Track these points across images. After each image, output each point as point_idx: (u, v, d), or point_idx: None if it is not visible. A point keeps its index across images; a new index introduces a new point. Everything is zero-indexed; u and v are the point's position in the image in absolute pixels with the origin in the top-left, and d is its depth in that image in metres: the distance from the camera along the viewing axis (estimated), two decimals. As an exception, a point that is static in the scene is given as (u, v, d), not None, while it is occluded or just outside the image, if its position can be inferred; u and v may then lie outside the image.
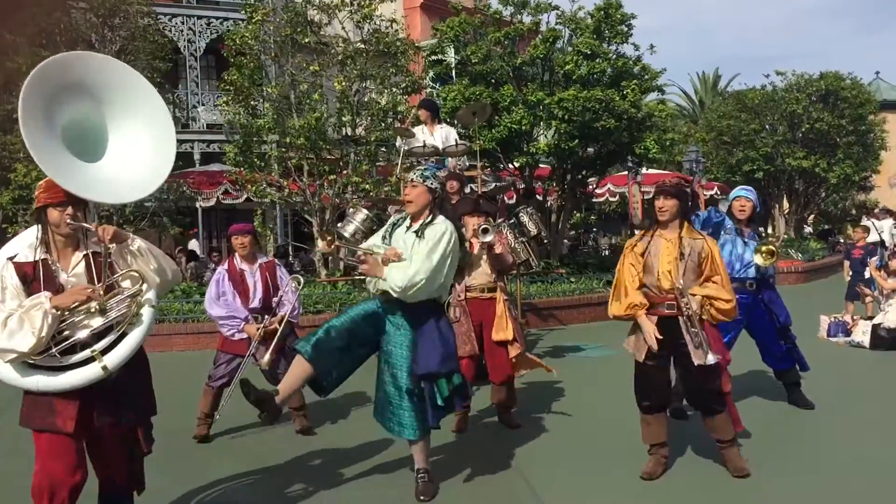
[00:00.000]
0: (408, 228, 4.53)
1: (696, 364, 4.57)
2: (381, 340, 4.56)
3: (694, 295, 4.61)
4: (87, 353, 3.46)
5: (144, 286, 3.66)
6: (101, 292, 3.54)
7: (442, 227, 4.43)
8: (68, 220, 3.52)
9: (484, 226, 5.85)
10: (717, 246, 4.81)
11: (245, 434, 6.24)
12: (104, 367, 3.46)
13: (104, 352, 3.51)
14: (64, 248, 3.61)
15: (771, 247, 5.71)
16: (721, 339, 4.81)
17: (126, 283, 3.64)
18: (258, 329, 5.83)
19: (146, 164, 3.76)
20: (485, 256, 6.04)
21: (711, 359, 4.49)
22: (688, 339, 4.58)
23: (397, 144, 10.20)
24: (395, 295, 4.35)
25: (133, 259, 3.64)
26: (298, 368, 4.49)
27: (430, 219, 4.46)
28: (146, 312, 3.65)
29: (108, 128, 3.73)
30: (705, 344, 4.51)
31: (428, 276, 4.31)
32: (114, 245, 3.59)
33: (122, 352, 3.53)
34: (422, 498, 4.51)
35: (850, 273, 11.98)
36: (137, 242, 3.64)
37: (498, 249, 5.99)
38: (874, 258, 11.11)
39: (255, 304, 5.94)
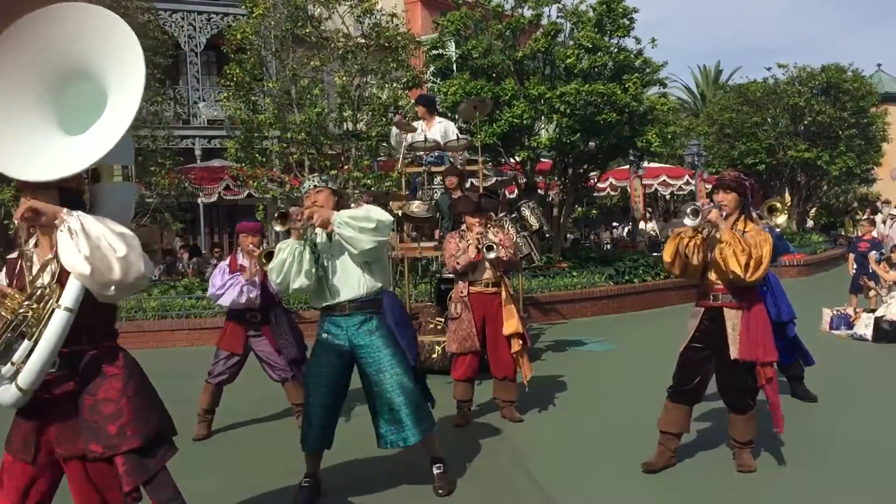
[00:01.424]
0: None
1: (732, 358, 4.58)
2: (356, 361, 4.41)
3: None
4: (10, 367, 2.86)
5: (61, 283, 2.90)
6: (28, 289, 2.92)
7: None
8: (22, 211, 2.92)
9: (488, 244, 5.84)
10: (769, 240, 4.61)
11: (247, 429, 6.26)
12: (18, 387, 2.85)
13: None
14: (44, 238, 3.03)
15: (774, 203, 5.49)
16: (771, 338, 4.75)
17: (46, 278, 2.95)
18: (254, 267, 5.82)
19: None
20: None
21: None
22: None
23: (392, 134, 10.19)
24: (361, 226, 4.11)
25: (63, 243, 2.83)
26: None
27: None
28: (55, 317, 2.85)
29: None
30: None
31: (383, 219, 4.19)
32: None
33: (31, 367, 2.84)
34: (440, 492, 4.51)
35: (855, 266, 11.97)
36: (72, 221, 2.82)
37: (504, 256, 5.98)
38: (874, 252, 11.10)
39: (249, 302, 5.92)
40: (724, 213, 4.61)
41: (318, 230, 4.31)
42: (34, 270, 2.95)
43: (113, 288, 2.88)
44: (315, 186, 4.37)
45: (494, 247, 5.83)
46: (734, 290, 4.61)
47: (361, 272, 4.34)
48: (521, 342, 6.04)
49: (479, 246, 5.85)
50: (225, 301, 5.89)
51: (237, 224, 6.35)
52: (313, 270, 4.28)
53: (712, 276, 4.63)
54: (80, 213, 2.85)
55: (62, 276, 2.88)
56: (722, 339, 4.62)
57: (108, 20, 2.96)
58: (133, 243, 2.91)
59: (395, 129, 9.88)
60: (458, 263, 5.99)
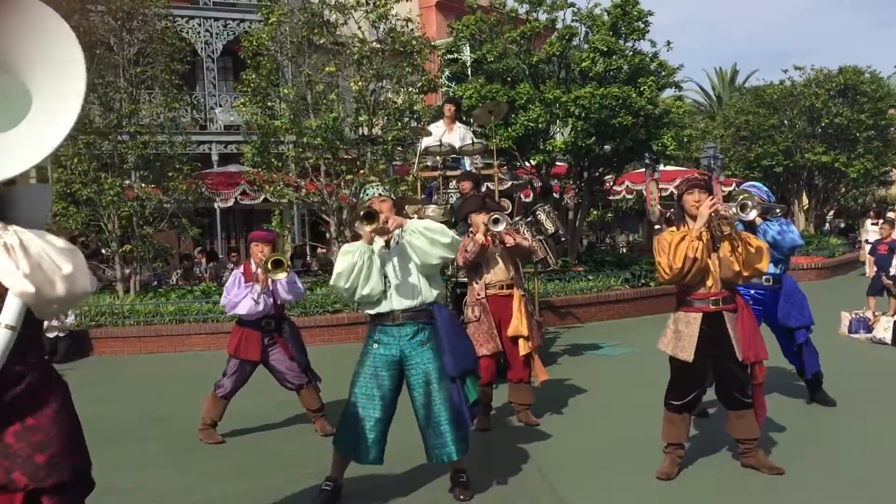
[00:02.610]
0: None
1: (740, 360, 4.57)
2: (405, 372, 4.41)
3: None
4: None
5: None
6: None
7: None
8: None
9: (495, 216, 5.80)
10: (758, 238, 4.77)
11: (266, 434, 6.29)
12: None
13: None
14: None
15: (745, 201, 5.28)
16: (760, 335, 4.77)
17: None
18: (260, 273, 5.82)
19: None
20: (500, 253, 6.03)
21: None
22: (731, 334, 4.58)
23: (420, 145, 10.21)
24: (438, 240, 4.15)
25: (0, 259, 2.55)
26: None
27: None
28: None
29: None
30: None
31: (456, 237, 4.30)
32: None
33: None
34: (462, 498, 4.51)
35: (875, 269, 11.89)
36: (7, 236, 2.53)
37: (510, 242, 5.96)
38: None
39: (266, 309, 5.94)
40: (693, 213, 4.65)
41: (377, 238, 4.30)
42: None
43: (55, 305, 2.64)
44: (380, 195, 4.42)
45: (501, 219, 5.79)
46: (730, 292, 4.64)
47: (418, 282, 4.36)
48: (528, 344, 6.01)
49: (487, 219, 5.82)
50: (241, 310, 5.90)
51: (251, 232, 6.37)
52: (382, 276, 4.31)
53: (710, 281, 4.60)
54: (14, 227, 2.56)
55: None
56: (726, 343, 4.61)
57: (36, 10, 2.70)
58: (77, 260, 2.66)
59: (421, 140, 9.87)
60: (467, 252, 5.99)
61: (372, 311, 4.43)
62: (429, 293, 4.40)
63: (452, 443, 4.32)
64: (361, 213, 4.21)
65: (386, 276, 4.34)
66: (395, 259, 4.35)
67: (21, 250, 2.51)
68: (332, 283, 4.42)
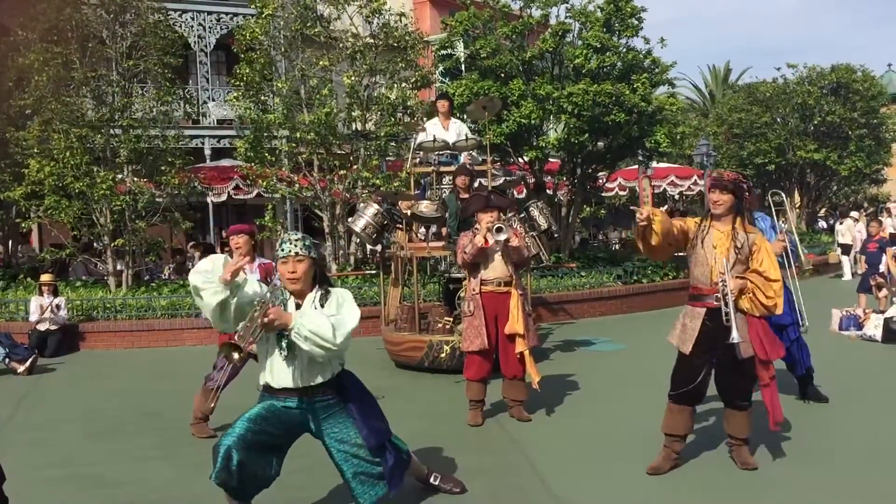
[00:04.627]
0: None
1: (740, 358, 4.60)
2: (316, 432, 4.04)
3: (735, 277, 4.60)
4: None
5: None
6: None
7: (344, 292, 3.94)
8: None
9: (498, 225, 5.84)
10: (767, 242, 4.79)
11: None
12: None
13: None
14: None
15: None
16: (773, 335, 4.80)
17: None
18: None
19: None
20: (499, 250, 6.04)
21: (736, 336, 4.51)
22: (724, 318, 4.59)
23: (414, 140, 10.20)
24: (319, 344, 3.62)
25: None
26: None
27: (321, 292, 3.89)
28: None
29: None
30: (735, 326, 4.51)
31: (353, 326, 3.75)
32: None
33: None
34: (456, 490, 4.54)
35: (866, 266, 11.97)
36: None
37: (515, 243, 5.98)
38: (893, 248, 11.09)
39: None
40: (717, 212, 4.69)
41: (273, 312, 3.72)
42: None
43: None
44: (297, 255, 3.84)
45: (504, 228, 5.82)
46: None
47: (314, 363, 3.90)
48: (524, 342, 6.03)
49: (490, 227, 5.84)
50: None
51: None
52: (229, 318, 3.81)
53: (715, 276, 4.64)
54: None
55: None
56: (727, 339, 4.63)
57: None
58: None
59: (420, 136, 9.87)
60: (465, 253, 6.00)
61: (261, 381, 4.01)
62: (334, 366, 4.00)
63: (378, 484, 4.01)
64: (226, 347, 3.67)
65: (276, 348, 3.88)
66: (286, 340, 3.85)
67: None
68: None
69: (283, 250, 3.87)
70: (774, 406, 4.77)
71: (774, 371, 4.75)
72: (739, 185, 4.72)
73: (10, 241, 16.68)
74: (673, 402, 4.83)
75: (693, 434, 5.06)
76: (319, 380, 3.93)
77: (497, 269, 6.08)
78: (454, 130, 9.69)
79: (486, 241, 5.91)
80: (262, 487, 4.05)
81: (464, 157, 9.71)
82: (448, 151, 9.57)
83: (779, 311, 4.67)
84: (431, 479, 4.59)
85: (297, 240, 3.88)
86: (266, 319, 3.66)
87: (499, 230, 5.81)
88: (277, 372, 3.92)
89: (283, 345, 3.83)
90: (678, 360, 4.82)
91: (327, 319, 3.68)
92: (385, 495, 4.04)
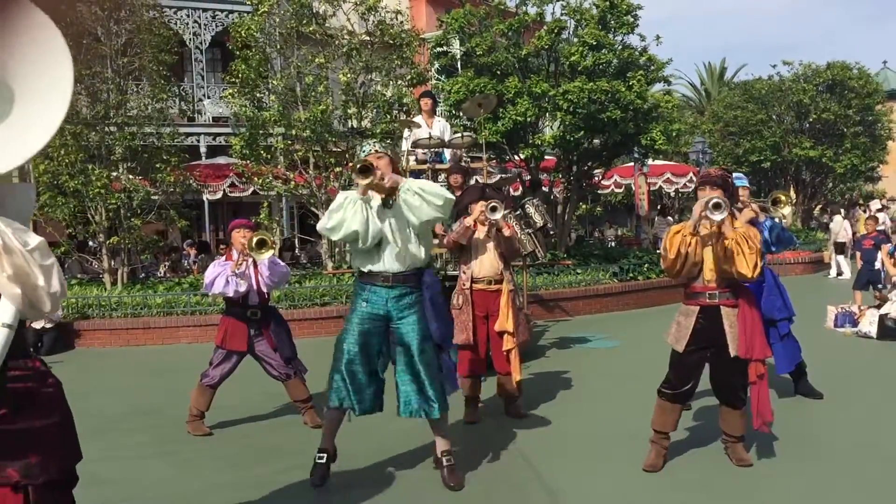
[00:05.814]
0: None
1: (731, 356, 4.60)
2: (391, 335, 4.54)
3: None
4: None
5: None
6: None
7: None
8: None
9: (493, 204, 5.76)
10: (758, 235, 4.74)
11: (253, 425, 6.29)
12: None
13: None
14: None
15: (778, 195, 5.60)
16: (763, 334, 4.79)
17: None
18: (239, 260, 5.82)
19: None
20: (492, 245, 6.01)
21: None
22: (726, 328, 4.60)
23: (405, 136, 10.21)
24: (427, 199, 4.20)
25: None
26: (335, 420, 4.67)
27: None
28: None
29: None
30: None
31: (450, 197, 4.31)
32: None
33: None
34: (452, 485, 4.55)
35: (861, 263, 12.02)
36: None
37: (507, 232, 5.94)
38: (888, 244, 11.12)
39: (250, 297, 5.94)
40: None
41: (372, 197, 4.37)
42: None
43: (39, 310, 2.67)
44: (377, 152, 4.48)
45: (499, 207, 5.74)
46: (730, 287, 4.65)
47: (411, 245, 4.44)
48: (512, 339, 6.01)
49: (484, 208, 5.80)
50: (216, 289, 5.90)
51: (231, 222, 6.35)
52: (370, 223, 4.34)
53: (708, 274, 4.64)
54: None
55: None
56: (720, 338, 4.64)
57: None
58: (52, 261, 2.68)
59: (407, 131, 9.90)
60: (452, 232, 6.03)
61: (364, 268, 4.50)
62: (420, 256, 4.49)
63: (433, 401, 4.42)
64: (357, 165, 4.21)
65: (382, 237, 4.40)
66: (392, 220, 4.39)
67: (4, 254, 2.50)
68: (319, 226, 4.47)
69: (363, 151, 4.53)
70: (762, 405, 4.77)
71: (765, 370, 4.75)
72: (727, 180, 4.74)
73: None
74: (665, 401, 4.83)
75: (689, 430, 5.06)
76: (410, 265, 4.45)
77: (488, 266, 6.04)
78: (438, 128, 9.71)
79: (476, 223, 5.90)
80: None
81: (448, 154, 9.71)
82: (434, 149, 9.58)
83: (748, 274, 4.48)
84: (445, 461, 4.62)
85: (374, 141, 4.67)
86: (386, 178, 4.23)
87: (493, 209, 5.74)
88: (375, 258, 4.44)
89: (390, 202, 4.34)
90: (673, 358, 4.82)
91: (431, 184, 4.31)
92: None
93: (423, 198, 4.20)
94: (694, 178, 21.06)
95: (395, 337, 4.51)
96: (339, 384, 4.49)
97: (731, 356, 4.62)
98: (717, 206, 4.41)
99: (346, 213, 4.29)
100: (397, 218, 4.38)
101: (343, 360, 4.49)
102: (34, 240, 2.59)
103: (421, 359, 4.44)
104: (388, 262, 4.43)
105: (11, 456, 2.62)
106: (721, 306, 4.65)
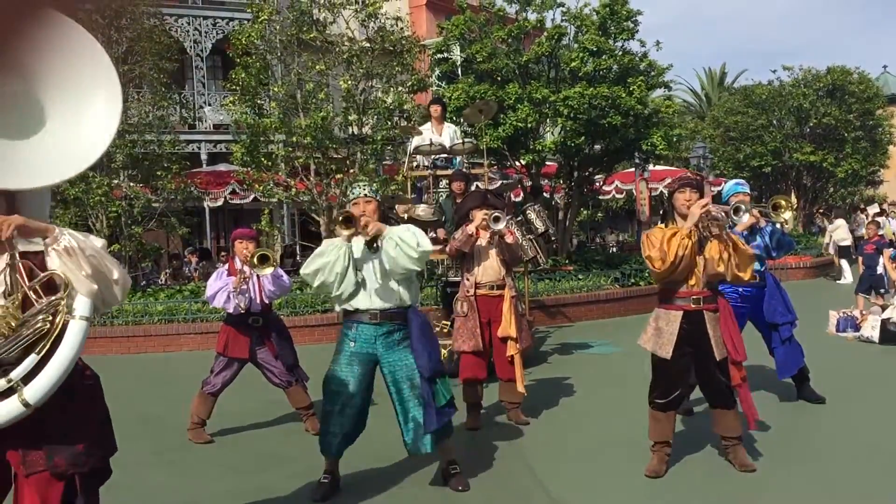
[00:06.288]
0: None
1: (717, 359, 4.60)
2: (381, 370, 4.55)
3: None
4: (2, 382, 2.68)
5: (70, 295, 2.78)
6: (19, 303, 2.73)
7: (414, 227, 4.45)
8: None
9: (496, 214, 5.79)
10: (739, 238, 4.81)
11: (256, 432, 6.27)
12: (24, 402, 2.67)
13: (26, 379, 2.69)
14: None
15: (779, 200, 5.58)
16: (740, 337, 4.80)
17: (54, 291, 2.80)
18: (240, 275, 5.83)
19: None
20: (494, 251, 6.01)
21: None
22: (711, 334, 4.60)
23: (410, 144, 10.21)
24: (406, 252, 4.22)
25: (61, 261, 2.76)
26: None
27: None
28: (73, 327, 2.75)
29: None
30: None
31: (426, 249, 4.31)
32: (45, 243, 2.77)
33: (44, 381, 2.69)
34: (460, 488, 4.59)
35: (863, 267, 12.00)
36: (65, 240, 2.74)
37: (510, 239, 5.95)
38: (889, 249, 11.10)
39: (251, 305, 5.93)
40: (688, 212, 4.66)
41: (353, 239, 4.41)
42: (20, 284, 2.75)
43: (113, 300, 2.91)
44: (366, 196, 4.52)
45: (501, 217, 5.76)
46: (712, 291, 4.67)
47: (396, 286, 4.45)
48: (516, 346, 6.01)
49: (487, 216, 5.79)
50: (217, 303, 5.93)
51: (233, 230, 6.36)
52: (358, 275, 4.41)
53: (693, 279, 4.63)
54: (66, 230, 2.77)
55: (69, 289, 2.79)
56: (705, 342, 4.64)
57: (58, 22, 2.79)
58: (113, 259, 2.91)
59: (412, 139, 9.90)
60: (455, 240, 6.02)
61: (349, 308, 4.51)
62: (406, 296, 4.50)
63: (425, 437, 4.42)
64: (339, 217, 4.31)
65: (364, 276, 4.45)
66: (376, 261, 4.44)
67: (80, 252, 2.74)
68: (302, 270, 4.48)
69: (353, 193, 4.57)
70: (749, 405, 4.78)
71: (745, 372, 4.77)
72: (700, 181, 4.80)
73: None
74: (658, 410, 4.81)
75: (691, 436, 5.04)
76: (393, 304, 4.46)
77: (490, 272, 6.05)
78: (447, 135, 9.70)
79: (479, 231, 5.89)
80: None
81: (459, 161, 9.71)
82: (443, 155, 9.58)
83: (746, 276, 4.59)
84: (451, 469, 4.68)
85: (364, 184, 4.58)
86: (369, 226, 4.30)
87: (496, 219, 5.76)
88: (360, 297, 4.45)
89: (374, 246, 4.39)
90: (656, 366, 4.81)
91: (412, 232, 4.30)
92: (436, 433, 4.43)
93: (401, 248, 4.24)
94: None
95: (386, 375, 4.53)
96: (335, 435, 4.53)
97: (717, 360, 4.62)
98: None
99: (330, 257, 4.33)
100: (381, 261, 4.42)
101: (336, 407, 4.50)
102: (99, 241, 2.84)
103: (413, 394, 4.43)
104: (374, 300, 4.46)
105: (59, 445, 2.79)
106: (704, 311, 4.66)
